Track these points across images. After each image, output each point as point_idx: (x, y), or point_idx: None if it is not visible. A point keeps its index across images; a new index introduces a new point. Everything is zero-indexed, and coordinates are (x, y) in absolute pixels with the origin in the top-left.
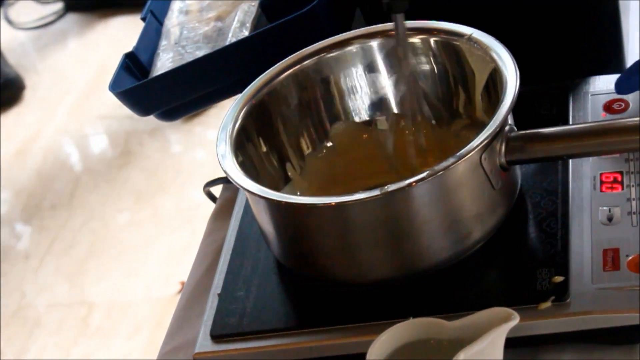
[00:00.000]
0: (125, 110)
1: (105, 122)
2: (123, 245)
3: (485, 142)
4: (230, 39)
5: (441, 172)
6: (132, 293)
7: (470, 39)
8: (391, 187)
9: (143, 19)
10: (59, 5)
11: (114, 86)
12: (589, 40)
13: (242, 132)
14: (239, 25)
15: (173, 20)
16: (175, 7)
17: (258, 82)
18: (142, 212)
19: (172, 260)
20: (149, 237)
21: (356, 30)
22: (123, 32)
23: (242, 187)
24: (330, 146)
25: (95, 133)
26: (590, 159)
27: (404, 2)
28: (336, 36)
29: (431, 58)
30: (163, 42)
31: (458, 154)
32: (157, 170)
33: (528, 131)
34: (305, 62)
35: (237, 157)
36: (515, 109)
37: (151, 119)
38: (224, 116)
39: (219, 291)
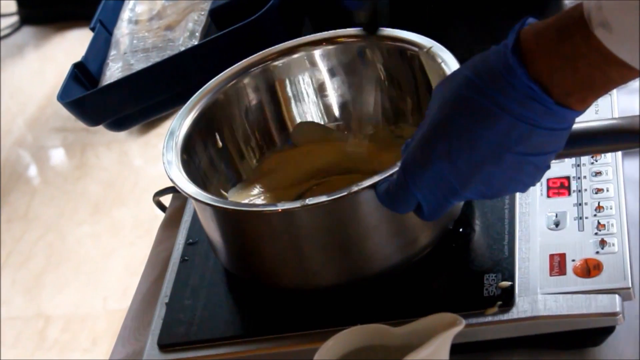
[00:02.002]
0: (82, 123)
1: (61, 134)
2: (80, 257)
3: None
4: (180, 48)
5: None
6: (89, 306)
7: (428, 52)
8: (311, 201)
9: (92, 29)
10: (14, 19)
11: (63, 96)
12: None
13: (189, 139)
14: (188, 35)
15: (122, 29)
16: (124, 16)
17: (205, 89)
18: (99, 224)
19: (130, 273)
20: (106, 250)
21: (302, 37)
22: (79, 44)
23: (186, 193)
24: (287, 147)
25: (52, 146)
26: None
27: (373, 26)
28: (282, 44)
29: (382, 65)
30: (112, 52)
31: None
32: (114, 182)
33: None
34: (252, 70)
35: (184, 164)
36: None
37: (107, 131)
38: (170, 124)
39: (166, 300)
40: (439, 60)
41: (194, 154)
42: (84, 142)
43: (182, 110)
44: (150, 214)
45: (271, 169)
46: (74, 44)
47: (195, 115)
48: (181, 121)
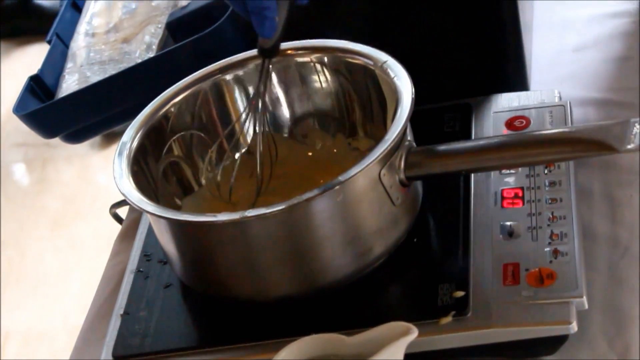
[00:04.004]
0: (41, 137)
1: (22, 149)
2: (39, 273)
3: (382, 156)
4: (137, 60)
5: (338, 187)
6: (49, 321)
7: (382, 66)
8: (251, 213)
9: (49, 42)
10: None
11: (18, 109)
12: (492, 58)
13: (140, 151)
14: (145, 47)
15: (79, 42)
16: (81, 29)
17: (156, 102)
18: (59, 239)
19: (90, 288)
20: (66, 265)
21: (252, 50)
22: (41, 59)
23: (134, 204)
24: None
25: (12, 160)
26: (492, 175)
27: (275, 51)
28: (234, 56)
29: (339, 77)
30: (69, 65)
31: (353, 168)
32: (75, 196)
33: (426, 147)
34: (204, 82)
35: (135, 176)
36: (419, 126)
37: (68, 146)
38: (121, 137)
39: (121, 312)
40: (392, 75)
41: (146, 166)
42: (44, 156)
43: (133, 122)
44: (111, 229)
45: (223, 179)
46: (35, 58)
47: (147, 127)
48: (132, 133)
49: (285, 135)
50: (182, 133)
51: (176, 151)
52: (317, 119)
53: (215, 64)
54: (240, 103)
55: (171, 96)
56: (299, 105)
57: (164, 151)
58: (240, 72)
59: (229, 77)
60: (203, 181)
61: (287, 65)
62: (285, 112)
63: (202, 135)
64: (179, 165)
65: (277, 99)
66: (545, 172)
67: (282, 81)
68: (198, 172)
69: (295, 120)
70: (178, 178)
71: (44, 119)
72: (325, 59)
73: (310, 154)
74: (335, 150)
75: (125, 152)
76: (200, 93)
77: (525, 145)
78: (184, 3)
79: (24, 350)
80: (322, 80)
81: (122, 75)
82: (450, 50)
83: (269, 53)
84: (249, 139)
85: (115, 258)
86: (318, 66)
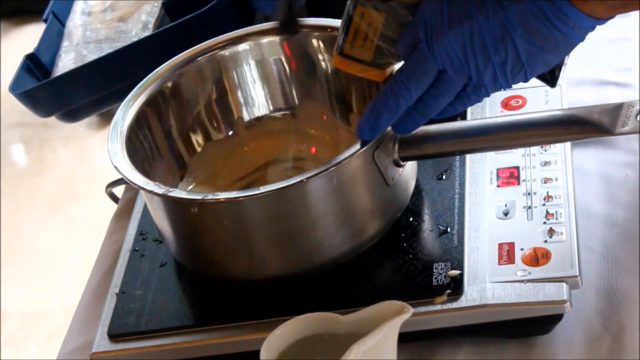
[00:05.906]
0: (40, 118)
1: (19, 129)
2: (36, 253)
3: (376, 138)
4: (133, 39)
5: (333, 168)
6: (45, 301)
7: None
8: (244, 193)
9: (45, 20)
10: None
11: (14, 87)
12: None
13: (135, 128)
14: (141, 26)
15: (75, 21)
16: (77, 8)
17: (150, 78)
18: (56, 220)
19: (86, 268)
20: (62, 245)
21: (249, 27)
22: (38, 39)
23: (131, 181)
24: (233, 137)
25: (9, 141)
26: (488, 154)
27: (295, 26)
28: (229, 33)
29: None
30: (65, 43)
31: (347, 151)
32: (71, 177)
33: (420, 128)
34: (198, 59)
35: (130, 154)
36: None
37: (66, 126)
38: (116, 114)
39: (117, 290)
40: None
41: (139, 144)
42: (41, 137)
43: (128, 97)
44: (107, 209)
45: (218, 159)
46: (31, 39)
47: (140, 104)
48: (125, 111)
49: (283, 113)
50: (177, 109)
51: (172, 128)
52: (315, 96)
53: (211, 39)
54: (237, 80)
55: (167, 71)
56: (297, 83)
57: (159, 128)
58: (237, 49)
59: (225, 53)
60: (199, 159)
61: (276, 43)
62: (283, 90)
63: (198, 111)
64: (175, 143)
65: (275, 77)
66: (541, 151)
67: (279, 61)
68: (194, 149)
69: (294, 98)
70: (174, 156)
71: (40, 98)
72: (323, 37)
73: (312, 131)
74: (333, 128)
75: (120, 129)
76: (197, 69)
77: (519, 127)
78: None
79: (20, 330)
80: (320, 58)
81: (118, 53)
82: None
83: (283, 29)
84: (244, 117)
85: (111, 237)
86: (315, 44)
